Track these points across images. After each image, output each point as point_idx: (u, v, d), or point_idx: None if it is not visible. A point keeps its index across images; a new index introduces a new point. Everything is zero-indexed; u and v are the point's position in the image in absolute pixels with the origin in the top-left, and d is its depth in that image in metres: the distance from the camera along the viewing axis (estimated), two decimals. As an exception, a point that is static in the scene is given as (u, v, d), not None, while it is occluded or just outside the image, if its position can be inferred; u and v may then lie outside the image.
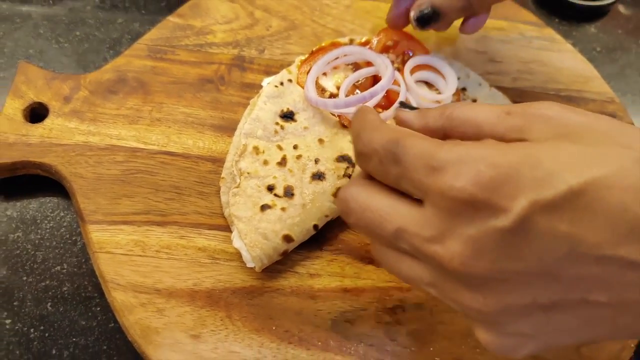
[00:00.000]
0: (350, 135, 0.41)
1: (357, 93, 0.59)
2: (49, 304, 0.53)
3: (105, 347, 0.51)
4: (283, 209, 0.52)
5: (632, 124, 0.64)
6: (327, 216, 0.53)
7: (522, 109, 0.37)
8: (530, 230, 0.32)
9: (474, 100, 0.62)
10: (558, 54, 0.69)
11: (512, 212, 0.32)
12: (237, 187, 0.52)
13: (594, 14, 0.78)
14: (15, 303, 0.52)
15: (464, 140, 0.36)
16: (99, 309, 0.53)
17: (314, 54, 0.62)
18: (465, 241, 0.33)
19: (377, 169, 0.38)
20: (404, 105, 0.43)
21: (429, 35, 0.67)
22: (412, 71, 0.60)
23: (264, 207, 0.52)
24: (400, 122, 0.42)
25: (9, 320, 0.52)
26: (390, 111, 0.56)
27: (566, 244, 0.32)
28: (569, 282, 0.33)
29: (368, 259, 0.54)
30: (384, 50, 0.63)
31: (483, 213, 0.33)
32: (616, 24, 0.78)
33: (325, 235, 0.54)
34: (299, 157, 0.55)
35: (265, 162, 0.54)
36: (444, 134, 0.39)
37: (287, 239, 0.51)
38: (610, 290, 0.33)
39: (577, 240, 0.32)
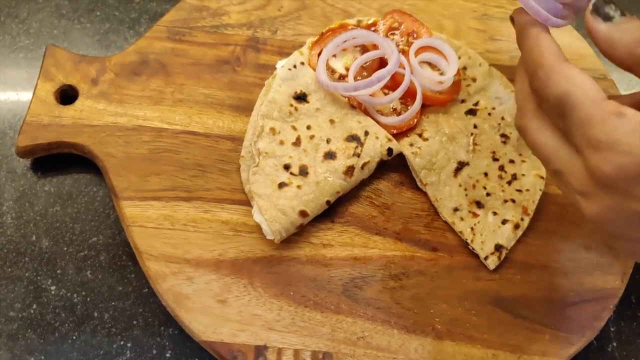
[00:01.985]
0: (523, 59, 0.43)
1: (364, 75, 0.63)
2: (89, 271, 0.59)
3: (140, 310, 0.57)
4: (299, 186, 0.57)
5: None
6: (338, 192, 0.58)
7: None
8: None
9: (474, 80, 0.66)
10: (554, 30, 0.72)
11: None
12: (256, 166, 0.57)
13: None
14: (58, 271, 0.58)
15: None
16: (133, 276, 0.59)
17: (323, 35, 0.66)
18: (604, 208, 0.39)
19: (547, 112, 0.41)
20: (599, 5, 0.39)
21: (432, 16, 0.70)
22: (416, 53, 0.64)
23: (281, 185, 0.57)
24: (588, 30, 0.41)
25: (54, 287, 0.58)
26: (398, 92, 0.60)
27: None
28: None
29: (375, 230, 0.59)
30: (390, 31, 0.66)
31: (622, 194, 0.37)
32: (613, -2, 0.80)
33: (336, 209, 0.60)
34: (312, 137, 0.59)
35: (282, 142, 0.58)
36: (629, 69, 0.40)
37: (303, 214, 0.56)
38: None
39: None
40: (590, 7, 0.40)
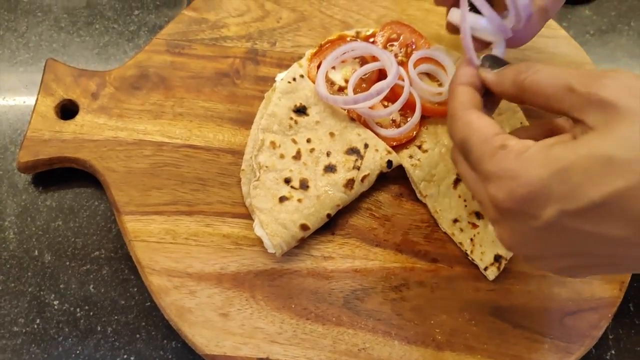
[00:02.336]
0: None
1: (363, 86, 0.63)
2: (91, 285, 0.59)
3: (143, 324, 0.58)
4: (299, 200, 0.57)
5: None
6: (338, 205, 0.59)
7: (584, 86, 0.40)
8: (560, 228, 0.39)
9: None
10: (553, 40, 0.73)
11: (542, 218, 0.39)
12: (257, 180, 0.58)
13: (589, -4, 0.81)
14: (61, 286, 0.59)
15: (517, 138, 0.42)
16: (135, 289, 0.59)
17: (322, 47, 0.66)
18: (511, 232, 0.43)
19: (462, 154, 0.47)
20: (488, 58, 0.50)
21: (430, 27, 0.70)
22: (415, 64, 0.64)
23: (282, 199, 0.57)
24: (482, 80, 0.49)
25: (57, 301, 0.58)
26: (397, 104, 0.61)
27: (593, 237, 0.39)
28: (601, 256, 0.41)
29: (376, 242, 0.60)
30: (389, 42, 0.67)
31: (520, 216, 0.41)
32: (610, 5, 0.81)
33: (336, 221, 0.60)
34: (312, 150, 0.60)
35: (282, 156, 0.59)
36: (519, 100, 0.46)
37: (304, 227, 0.57)
38: (638, 259, 0.40)
39: (602, 235, 0.38)
40: (479, 63, 0.50)
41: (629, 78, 0.39)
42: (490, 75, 0.49)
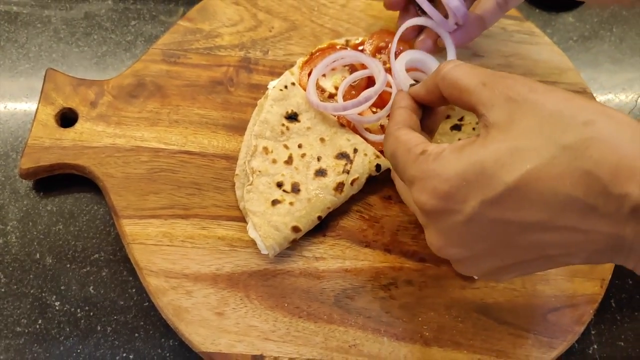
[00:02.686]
0: None
1: (353, 93, 0.66)
2: (91, 287, 0.61)
3: (142, 323, 0.60)
4: (291, 203, 0.60)
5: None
6: (329, 208, 0.61)
7: (494, 83, 0.43)
8: (483, 220, 0.42)
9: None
10: (536, 47, 0.75)
11: (465, 211, 0.42)
12: (250, 184, 0.60)
13: (573, 3, 0.84)
14: (62, 287, 0.61)
15: (433, 144, 0.46)
16: (134, 290, 0.61)
17: (313, 56, 0.68)
18: (438, 233, 0.45)
19: (394, 169, 0.50)
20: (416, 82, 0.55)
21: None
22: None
23: (274, 202, 0.60)
24: (413, 95, 0.53)
25: (58, 303, 0.60)
26: (385, 111, 0.63)
27: (514, 225, 0.41)
28: (526, 248, 0.42)
29: (365, 243, 0.62)
30: (377, 50, 0.69)
31: (445, 214, 0.43)
32: (592, 12, 0.84)
33: (327, 223, 0.62)
34: (303, 155, 0.62)
35: (274, 161, 0.61)
36: (440, 94, 0.48)
37: (296, 229, 0.59)
38: (559, 247, 0.42)
39: (521, 221, 0.40)
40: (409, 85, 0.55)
41: (526, 80, 0.43)
42: (416, 87, 0.53)
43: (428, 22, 0.64)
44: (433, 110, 0.54)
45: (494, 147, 0.41)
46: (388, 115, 0.65)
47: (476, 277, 0.60)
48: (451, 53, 0.64)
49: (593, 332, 0.63)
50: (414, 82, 0.57)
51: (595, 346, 0.63)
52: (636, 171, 0.37)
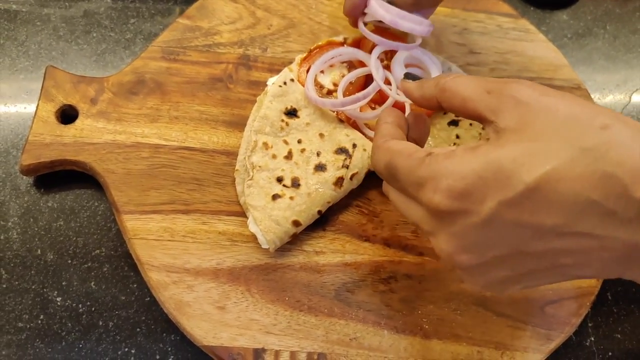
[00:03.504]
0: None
1: (351, 89, 0.66)
2: (93, 282, 0.61)
3: (143, 318, 0.60)
4: (291, 197, 0.60)
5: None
6: (328, 202, 0.62)
7: (499, 89, 0.42)
8: (500, 223, 0.40)
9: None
10: (531, 44, 0.76)
11: (482, 211, 0.40)
12: (250, 179, 0.60)
13: (567, 1, 0.85)
14: (63, 283, 0.61)
15: (441, 150, 0.44)
16: (135, 285, 0.62)
17: (311, 53, 0.69)
18: (449, 238, 0.43)
19: (388, 181, 0.49)
20: (409, 75, 0.53)
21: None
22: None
23: (275, 197, 0.60)
24: (403, 91, 0.52)
25: (60, 298, 0.60)
26: (384, 107, 0.64)
27: (530, 229, 0.40)
28: (539, 256, 0.41)
29: (365, 237, 0.63)
30: (374, 47, 0.70)
31: (460, 215, 0.41)
32: (586, 10, 0.85)
33: (327, 217, 0.63)
34: (303, 150, 0.63)
35: (274, 156, 0.62)
36: (437, 103, 0.47)
37: (296, 223, 0.60)
38: (573, 255, 0.40)
39: (538, 225, 0.39)
40: (402, 77, 0.54)
41: (532, 83, 0.42)
42: (410, 84, 0.51)
43: (400, 45, 0.65)
44: (419, 125, 0.53)
45: (511, 147, 0.39)
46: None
47: (481, 289, 0.56)
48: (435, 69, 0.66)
49: (590, 325, 0.64)
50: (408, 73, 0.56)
51: (592, 338, 0.64)
52: None
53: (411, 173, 0.44)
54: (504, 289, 0.45)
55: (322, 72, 0.68)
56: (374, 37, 0.64)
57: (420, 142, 0.53)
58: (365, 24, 0.66)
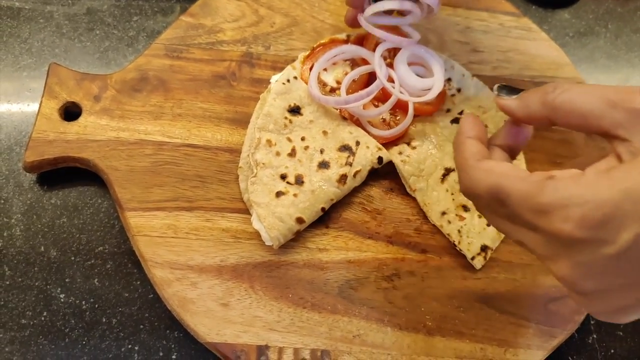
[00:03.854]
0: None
1: (354, 87, 0.66)
2: (96, 279, 0.61)
3: (147, 315, 0.60)
4: (295, 195, 0.60)
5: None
6: (332, 199, 0.62)
7: (624, 101, 0.38)
8: (635, 253, 0.36)
9: (459, 90, 0.70)
10: (534, 43, 0.76)
11: (618, 242, 0.36)
12: (254, 176, 0.60)
13: (569, 0, 0.85)
14: (67, 280, 0.61)
15: (562, 171, 0.40)
16: (138, 282, 0.62)
17: (315, 50, 0.69)
18: (574, 265, 0.39)
19: (487, 208, 0.44)
20: (503, 87, 0.48)
21: (417, 29, 0.74)
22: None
23: (278, 194, 0.60)
24: (502, 109, 0.47)
25: (63, 295, 0.60)
26: (387, 105, 0.64)
27: None
28: None
29: (368, 235, 0.63)
30: (377, 45, 0.70)
31: (592, 244, 0.37)
32: (588, 9, 0.85)
33: (330, 215, 0.63)
34: (306, 148, 0.63)
35: (278, 154, 0.62)
36: (548, 122, 0.43)
37: (299, 220, 0.60)
38: None
39: None
40: (496, 93, 0.48)
41: None
42: (510, 102, 0.46)
43: (403, 40, 0.65)
44: (516, 135, 0.48)
45: None
46: (390, 110, 0.66)
47: (598, 316, 0.46)
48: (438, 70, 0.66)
49: (592, 322, 0.64)
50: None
51: (595, 336, 0.64)
52: None
53: (529, 198, 0.40)
54: (624, 317, 0.41)
55: (325, 69, 0.68)
56: (375, 31, 0.64)
57: (514, 153, 0.50)
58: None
